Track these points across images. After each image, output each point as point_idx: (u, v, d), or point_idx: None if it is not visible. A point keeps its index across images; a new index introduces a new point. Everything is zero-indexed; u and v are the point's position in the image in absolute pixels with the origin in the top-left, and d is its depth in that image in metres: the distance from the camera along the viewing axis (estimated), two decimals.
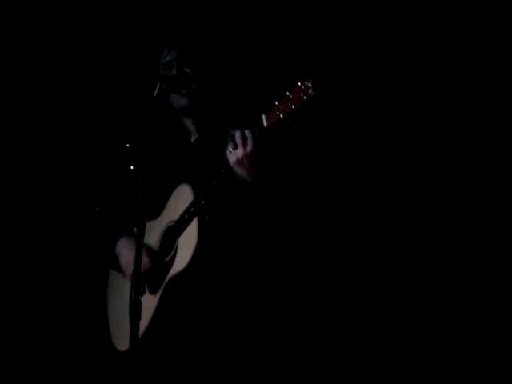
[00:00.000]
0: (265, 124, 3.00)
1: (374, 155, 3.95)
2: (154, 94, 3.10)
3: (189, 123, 3.43)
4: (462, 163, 3.83)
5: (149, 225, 3.34)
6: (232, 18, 4.15)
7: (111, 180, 3.57)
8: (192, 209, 3.15)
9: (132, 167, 3.02)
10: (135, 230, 3.22)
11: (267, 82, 4.04)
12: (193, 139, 3.44)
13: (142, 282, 3.30)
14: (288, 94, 2.96)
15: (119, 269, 3.39)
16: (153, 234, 3.34)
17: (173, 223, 3.26)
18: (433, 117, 3.85)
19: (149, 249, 3.32)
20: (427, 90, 3.86)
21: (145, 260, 3.22)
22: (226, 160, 3.07)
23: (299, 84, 2.93)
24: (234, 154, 3.04)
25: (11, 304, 4.42)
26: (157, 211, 3.36)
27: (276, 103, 2.98)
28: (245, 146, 3.02)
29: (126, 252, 3.34)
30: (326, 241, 3.97)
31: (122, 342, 3.33)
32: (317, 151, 3.99)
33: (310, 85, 2.90)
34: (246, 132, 3.04)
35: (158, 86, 3.11)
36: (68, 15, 4.35)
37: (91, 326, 4.17)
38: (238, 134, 3.04)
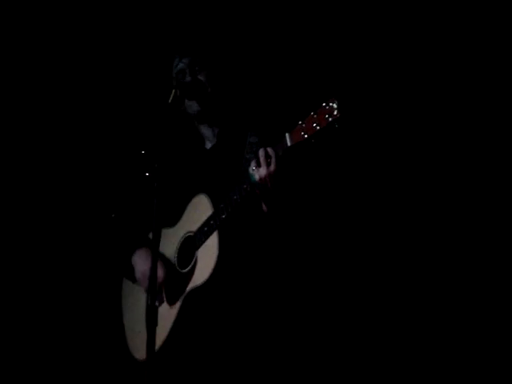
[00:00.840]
0: (288, 143, 2.98)
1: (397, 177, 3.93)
2: (169, 101, 3.10)
3: (204, 129, 3.43)
4: (466, 167, 3.83)
5: (165, 233, 3.30)
6: (245, 25, 4.15)
7: (127, 187, 3.57)
8: (212, 222, 3.14)
9: (148, 174, 3.03)
10: (151, 235, 3.22)
11: (283, 87, 4.05)
12: (208, 146, 3.44)
13: (157, 291, 3.30)
14: (312, 113, 2.93)
15: (134, 279, 3.39)
16: (169, 243, 3.33)
17: (191, 234, 3.25)
18: (458, 144, 3.84)
19: (164, 259, 3.31)
20: (457, 120, 3.85)
21: (160, 272, 3.22)
22: (249, 176, 3.05)
23: (323, 104, 2.90)
24: (256, 173, 3.02)
25: (25, 311, 4.43)
26: (173, 219, 3.35)
27: (300, 123, 2.95)
28: (268, 165, 3.00)
29: (141, 263, 3.33)
30: (344, 261, 3.95)
31: (140, 352, 3.33)
32: (337, 170, 3.97)
33: (334, 106, 2.88)
34: (270, 151, 3.02)
35: (173, 92, 3.11)
36: (83, 25, 4.37)
37: (107, 333, 4.17)
38: (261, 153, 3.02)
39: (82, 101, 4.45)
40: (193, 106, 3.33)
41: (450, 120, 3.86)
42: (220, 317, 3.19)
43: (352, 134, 3.85)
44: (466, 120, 3.83)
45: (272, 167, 3.00)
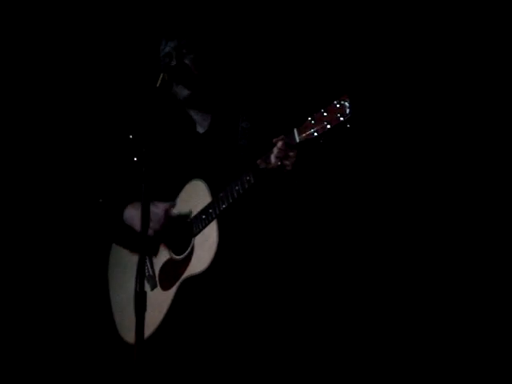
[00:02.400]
0: (297, 140, 2.91)
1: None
2: (157, 85, 3.07)
3: (194, 114, 3.40)
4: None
5: None
6: (234, 9, 4.11)
7: (115, 172, 3.55)
8: (211, 210, 3.11)
9: (136, 159, 3.00)
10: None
11: (274, 71, 4.01)
12: (200, 130, 3.41)
13: (150, 274, 3.29)
14: (322, 111, 2.84)
15: (130, 241, 3.36)
16: None
17: (188, 220, 3.23)
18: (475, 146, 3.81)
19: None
20: (474, 120, 3.81)
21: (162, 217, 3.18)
22: (256, 170, 3.00)
23: (335, 102, 2.81)
24: (268, 166, 2.97)
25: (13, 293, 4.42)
26: (167, 199, 3.32)
27: (309, 119, 2.88)
28: (282, 160, 2.95)
29: (136, 212, 3.27)
30: (350, 256, 3.92)
31: (129, 334, 3.30)
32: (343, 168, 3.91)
33: (347, 104, 2.78)
34: (280, 146, 2.94)
35: (161, 76, 3.08)
36: (69, 7, 4.32)
37: (95, 315, 4.16)
38: (276, 152, 2.95)
39: (69, 86, 4.41)
40: (181, 91, 3.30)
41: (461, 122, 3.81)
42: (216, 308, 3.18)
43: (362, 134, 3.75)
44: (482, 121, 3.78)
45: (287, 163, 2.94)
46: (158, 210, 3.21)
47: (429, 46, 3.83)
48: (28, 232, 4.45)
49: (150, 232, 3.19)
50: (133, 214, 3.32)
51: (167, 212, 3.24)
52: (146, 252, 3.22)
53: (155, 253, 3.35)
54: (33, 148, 4.44)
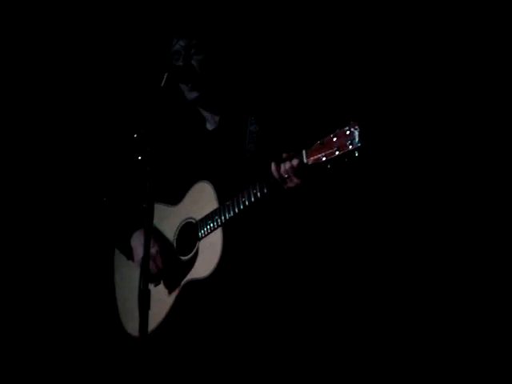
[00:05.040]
0: (305, 161, 2.91)
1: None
2: (162, 84, 3.08)
3: (203, 110, 3.40)
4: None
5: (164, 209, 3.33)
6: (249, 14, 4.10)
7: (119, 171, 3.57)
8: (217, 217, 3.12)
9: (140, 158, 3.02)
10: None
11: (284, 74, 4.01)
12: (209, 127, 3.40)
13: (154, 274, 3.31)
14: (332, 136, 2.83)
15: (129, 256, 3.39)
16: (168, 224, 3.33)
17: (193, 221, 3.24)
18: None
19: (163, 239, 3.30)
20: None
21: (158, 261, 3.23)
22: (263, 186, 3.01)
23: (345, 128, 2.80)
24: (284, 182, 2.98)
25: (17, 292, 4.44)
26: (172, 197, 3.33)
27: (318, 142, 2.87)
28: (292, 179, 2.95)
29: (141, 247, 3.31)
30: (349, 263, 3.93)
31: (132, 328, 3.33)
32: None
33: (356, 133, 2.77)
34: (288, 167, 2.94)
35: (166, 76, 3.09)
36: (76, 3, 4.34)
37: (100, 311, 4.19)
38: (282, 170, 2.95)
39: (73, 84, 4.42)
40: (186, 92, 3.31)
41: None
42: (216, 314, 3.20)
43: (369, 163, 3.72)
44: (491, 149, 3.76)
45: (296, 181, 2.96)
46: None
47: (448, 75, 3.81)
48: (32, 229, 4.46)
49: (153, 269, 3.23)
50: (137, 245, 3.33)
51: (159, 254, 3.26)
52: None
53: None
54: (37, 146, 4.45)
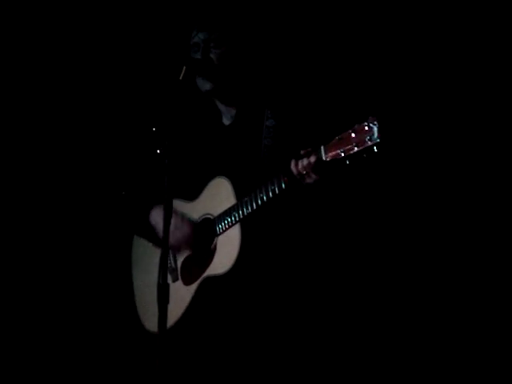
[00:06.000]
0: (323, 158, 2.88)
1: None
2: (180, 78, 3.06)
3: (220, 105, 3.39)
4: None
5: (182, 205, 3.33)
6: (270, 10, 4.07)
7: (138, 164, 3.56)
8: (234, 213, 3.11)
9: (158, 151, 3.01)
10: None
11: (301, 68, 3.99)
12: (225, 121, 3.39)
13: (173, 267, 3.29)
14: (350, 131, 2.80)
15: (152, 238, 3.37)
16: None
17: (210, 217, 3.23)
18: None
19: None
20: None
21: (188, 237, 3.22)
22: (281, 182, 2.99)
23: (364, 124, 2.76)
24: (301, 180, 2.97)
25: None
26: (190, 192, 3.33)
27: (337, 138, 2.84)
28: (310, 175, 2.93)
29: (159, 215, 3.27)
30: (372, 259, 3.91)
31: (150, 323, 3.33)
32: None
33: (375, 128, 2.74)
34: (305, 164, 2.92)
35: (184, 68, 3.07)
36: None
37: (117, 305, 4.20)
38: (300, 166, 2.93)
39: (92, 78, 4.42)
40: (201, 83, 3.29)
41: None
42: (235, 311, 3.19)
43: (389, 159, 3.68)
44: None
45: (314, 177, 2.94)
46: (183, 227, 3.23)
47: (469, 74, 3.77)
48: (50, 225, 4.47)
49: (173, 243, 3.20)
50: (158, 220, 3.30)
51: (191, 229, 3.25)
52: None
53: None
54: (56, 141, 4.46)
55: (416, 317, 3.82)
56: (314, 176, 2.93)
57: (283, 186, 2.99)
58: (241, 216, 3.10)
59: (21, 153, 4.45)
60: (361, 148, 2.77)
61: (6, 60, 4.37)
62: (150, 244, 3.41)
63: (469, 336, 3.72)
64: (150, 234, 3.38)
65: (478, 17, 3.74)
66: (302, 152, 2.94)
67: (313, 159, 2.90)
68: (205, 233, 3.24)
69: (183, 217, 3.26)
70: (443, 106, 3.80)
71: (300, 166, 2.93)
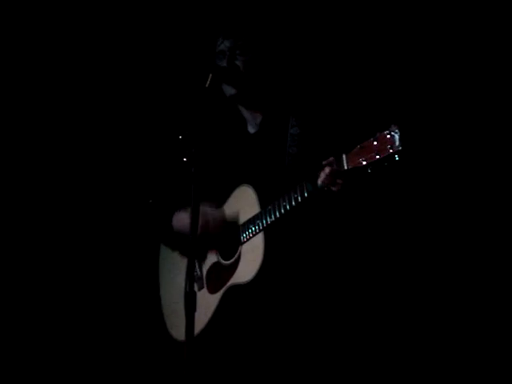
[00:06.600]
0: (345, 167, 2.89)
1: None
2: (206, 85, 3.07)
3: (243, 111, 3.39)
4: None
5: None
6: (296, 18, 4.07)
7: (164, 173, 3.57)
8: (258, 221, 3.12)
9: (185, 159, 3.02)
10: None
11: (325, 76, 3.98)
12: (251, 129, 3.39)
13: (198, 275, 3.30)
14: (372, 139, 2.80)
15: (173, 244, 3.39)
16: None
17: (236, 225, 3.23)
18: None
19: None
20: None
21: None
22: (303, 187, 3.00)
23: (385, 132, 2.76)
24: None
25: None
26: (215, 200, 3.33)
27: (358, 146, 2.84)
28: (332, 184, 2.94)
29: (184, 218, 3.31)
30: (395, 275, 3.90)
31: (177, 331, 3.35)
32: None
33: (397, 136, 2.73)
34: (328, 173, 2.92)
35: (210, 76, 3.08)
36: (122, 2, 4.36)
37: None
38: (323, 175, 2.94)
39: (119, 85, 4.45)
40: (226, 89, 3.29)
41: None
42: (260, 320, 3.18)
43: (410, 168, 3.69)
44: None
45: (337, 187, 2.94)
46: (208, 214, 3.23)
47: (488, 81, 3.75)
48: (78, 230, 4.50)
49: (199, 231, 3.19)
50: (183, 217, 3.33)
51: (217, 217, 3.26)
52: (195, 253, 3.23)
53: (203, 254, 3.37)
54: (85, 148, 4.48)
55: (433, 324, 3.82)
56: (336, 185, 2.93)
57: (306, 194, 2.98)
58: (264, 224, 3.10)
59: (45, 159, 4.48)
60: (382, 156, 2.77)
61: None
62: (176, 252, 3.41)
63: (469, 336, 3.72)
64: (173, 242, 3.40)
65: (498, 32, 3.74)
66: (324, 162, 2.94)
67: (335, 168, 2.90)
68: (230, 240, 3.24)
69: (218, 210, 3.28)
70: (465, 115, 3.78)
71: (323, 176, 2.93)
